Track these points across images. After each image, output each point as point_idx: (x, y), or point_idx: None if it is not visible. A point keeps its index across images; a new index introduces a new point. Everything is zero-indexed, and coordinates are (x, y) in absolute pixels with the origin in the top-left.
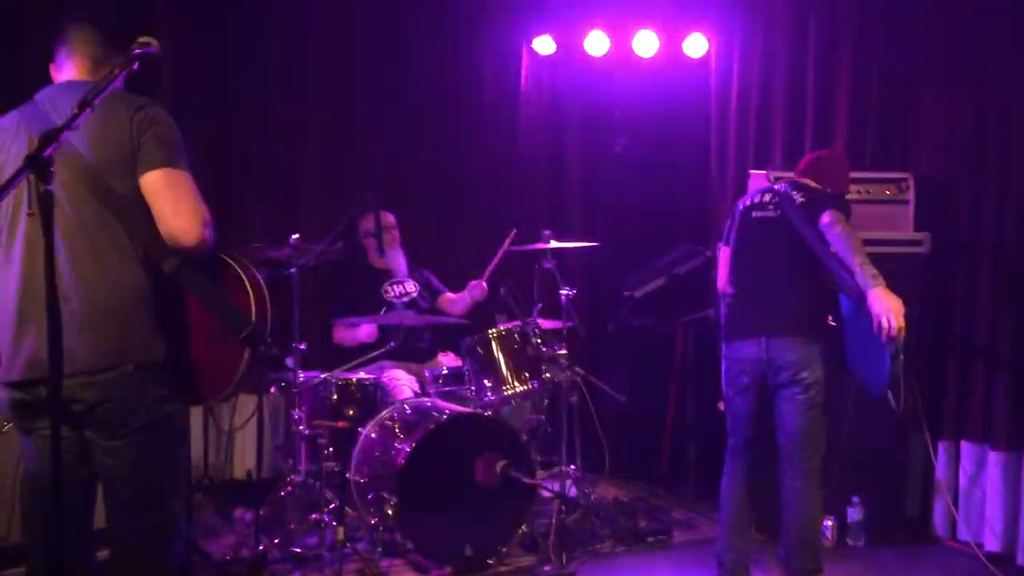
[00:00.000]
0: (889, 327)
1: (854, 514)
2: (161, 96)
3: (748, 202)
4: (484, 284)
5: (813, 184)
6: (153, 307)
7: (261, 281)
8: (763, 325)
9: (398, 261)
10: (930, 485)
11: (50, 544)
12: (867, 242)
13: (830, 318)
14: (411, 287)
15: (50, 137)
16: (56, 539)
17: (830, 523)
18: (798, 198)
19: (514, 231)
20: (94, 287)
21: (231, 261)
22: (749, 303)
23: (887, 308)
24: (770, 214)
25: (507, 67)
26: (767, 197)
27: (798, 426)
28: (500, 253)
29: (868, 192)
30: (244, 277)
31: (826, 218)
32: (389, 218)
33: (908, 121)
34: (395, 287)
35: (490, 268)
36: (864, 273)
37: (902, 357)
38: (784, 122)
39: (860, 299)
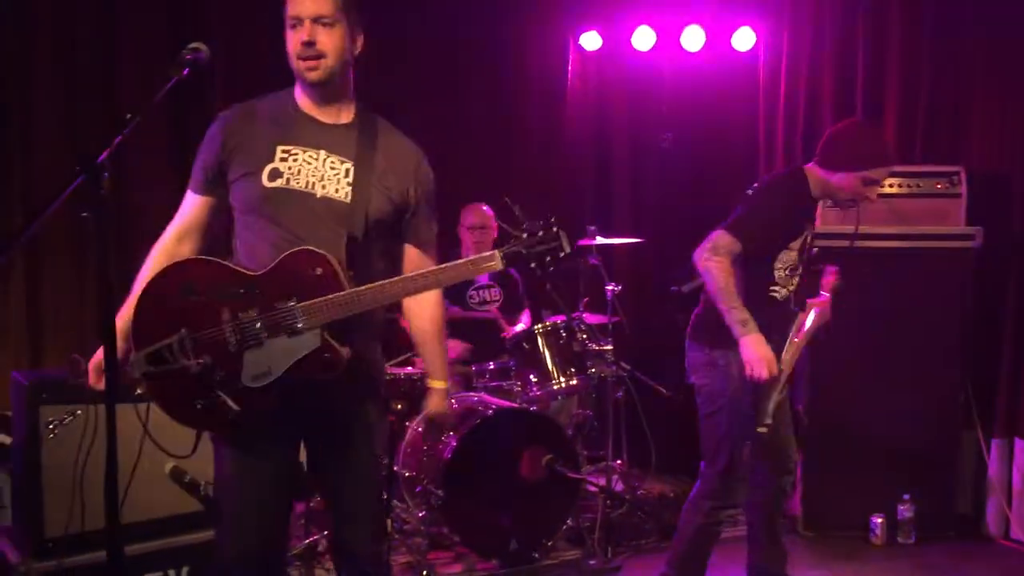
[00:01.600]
0: (755, 376)
1: (904, 511)
2: (213, 101)
3: None
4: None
5: (768, 182)
6: None
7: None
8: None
9: None
10: (982, 483)
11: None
12: (919, 237)
13: None
14: (495, 295)
15: (107, 144)
16: None
17: (879, 520)
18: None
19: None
20: None
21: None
22: None
23: (756, 358)
24: None
25: (554, 63)
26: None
27: (699, 432)
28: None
29: (919, 186)
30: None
31: (706, 244)
32: (488, 213)
33: (959, 114)
34: (480, 292)
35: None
36: (732, 320)
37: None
38: (833, 116)
39: None
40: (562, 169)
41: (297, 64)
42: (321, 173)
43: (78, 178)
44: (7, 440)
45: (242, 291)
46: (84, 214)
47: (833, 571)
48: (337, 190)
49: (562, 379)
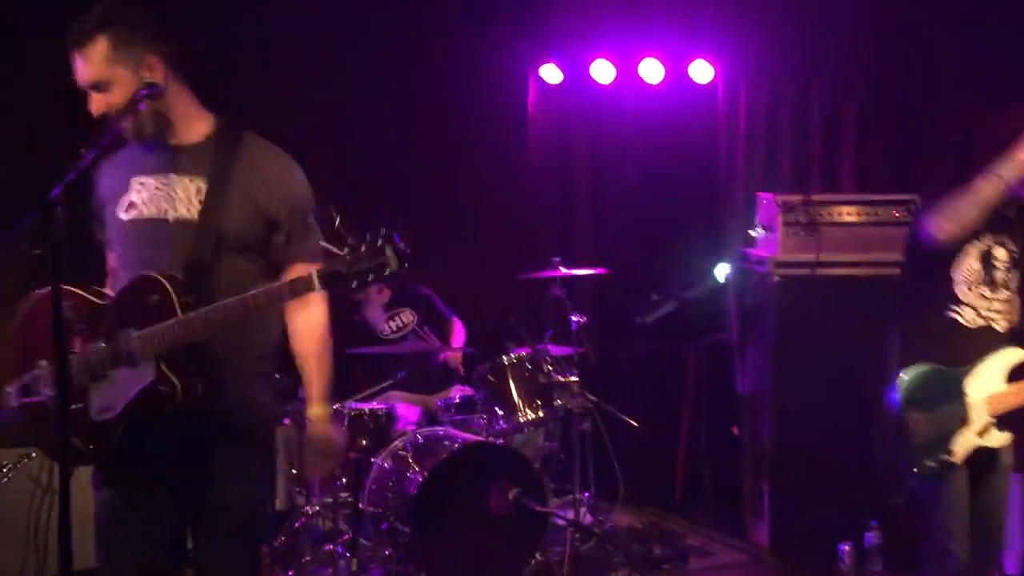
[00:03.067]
0: None
1: (872, 538)
2: None
3: None
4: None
5: None
6: None
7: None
8: None
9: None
10: None
11: None
12: (879, 264)
13: None
14: (408, 318)
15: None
16: None
17: (847, 547)
18: None
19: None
20: None
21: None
22: None
23: None
24: None
25: (514, 95)
26: None
27: None
28: None
29: (877, 214)
30: None
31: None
32: None
33: (920, 142)
34: (392, 322)
35: None
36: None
37: None
38: (792, 144)
39: None
40: (525, 201)
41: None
42: (172, 197)
43: (30, 215)
44: None
45: (89, 321)
46: (37, 252)
47: None
48: (188, 209)
49: (528, 412)
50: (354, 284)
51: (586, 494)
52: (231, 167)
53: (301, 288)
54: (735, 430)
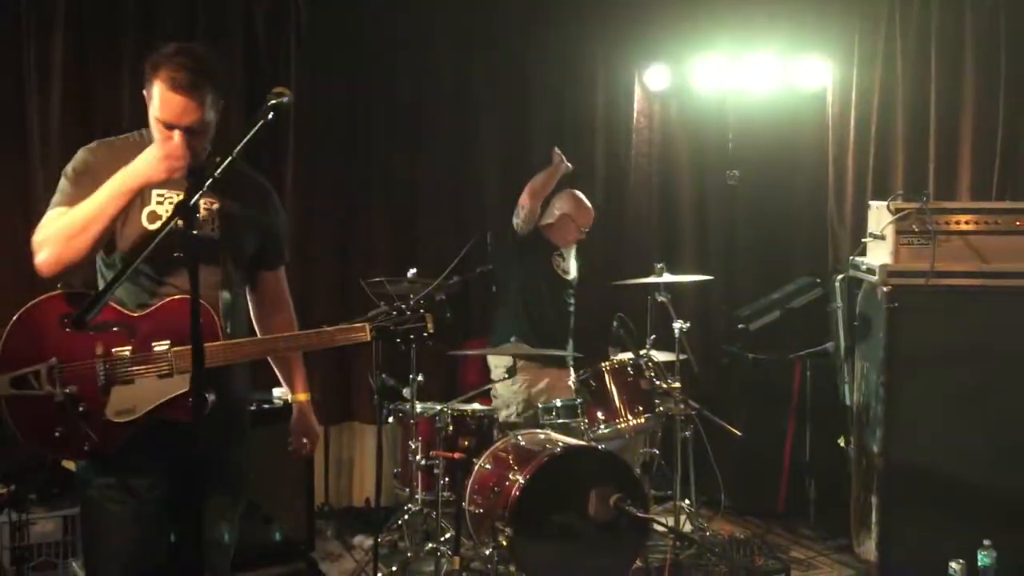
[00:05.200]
0: None
1: (985, 558)
2: (287, 139)
3: None
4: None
5: None
6: None
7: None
8: None
9: None
10: None
11: None
12: (998, 275)
13: None
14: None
15: (197, 186)
16: None
17: (958, 566)
18: None
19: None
20: None
21: None
22: None
23: None
24: None
25: (619, 99)
26: None
27: None
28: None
29: (997, 223)
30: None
31: None
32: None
33: None
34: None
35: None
36: None
37: None
38: (905, 151)
39: None
40: (629, 207)
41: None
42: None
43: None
44: None
45: (117, 329)
46: (176, 254)
47: None
48: (213, 229)
49: (630, 417)
50: (399, 340)
51: (687, 501)
52: (234, 189)
53: (355, 336)
54: (841, 442)
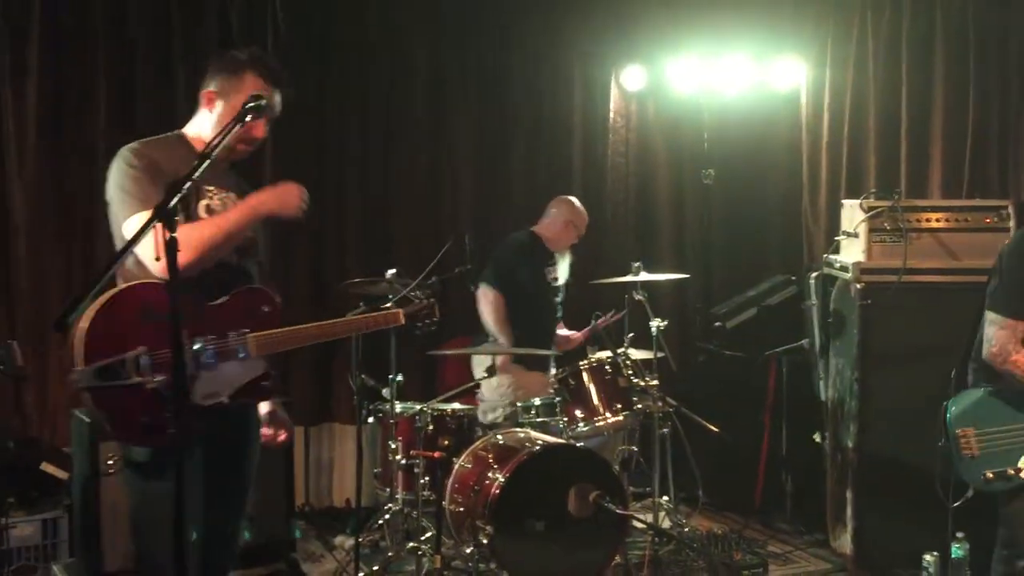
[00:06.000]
0: None
1: (958, 550)
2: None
3: None
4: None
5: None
6: None
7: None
8: None
9: None
10: None
11: None
12: (968, 271)
13: None
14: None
15: (175, 188)
16: None
17: (931, 558)
18: None
19: (617, 313)
20: None
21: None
22: None
23: None
24: None
25: (596, 99)
26: None
27: None
28: (602, 323)
29: (967, 221)
30: None
31: (992, 349)
32: None
33: (1007, 146)
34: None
35: (601, 324)
36: None
37: None
38: (877, 151)
39: None
40: (605, 206)
41: (239, 147)
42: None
43: (150, 223)
44: (64, 476)
45: (197, 318)
46: (157, 259)
47: None
48: None
49: (608, 415)
50: (419, 324)
51: (665, 498)
52: (240, 184)
53: (392, 321)
54: (816, 438)
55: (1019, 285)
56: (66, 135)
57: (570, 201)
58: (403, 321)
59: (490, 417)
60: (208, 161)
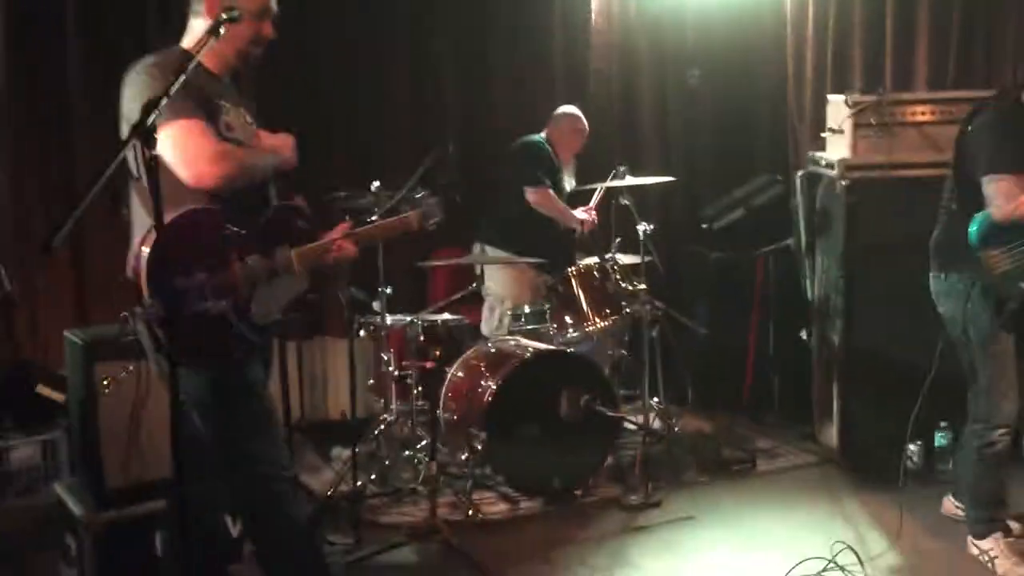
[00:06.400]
0: None
1: (941, 439)
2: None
3: None
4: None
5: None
6: None
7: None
8: None
9: None
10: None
11: None
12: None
13: None
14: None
15: (151, 105)
16: None
17: (914, 447)
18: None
19: (621, 168)
20: None
21: None
22: None
23: None
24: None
25: (576, 0)
26: None
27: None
28: (602, 188)
29: (951, 112)
30: None
31: (996, 202)
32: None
33: (993, 39)
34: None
35: (595, 200)
36: None
37: None
38: (862, 44)
39: None
40: (588, 110)
41: (252, 49)
42: (246, 127)
43: (128, 142)
44: (60, 398)
45: (244, 237)
46: (137, 177)
47: (870, 498)
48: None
49: (597, 320)
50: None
51: (655, 399)
52: (244, 100)
53: (409, 227)
54: (803, 335)
55: (1006, 144)
56: (40, 52)
57: (570, 110)
58: (416, 226)
59: (500, 309)
60: (184, 77)
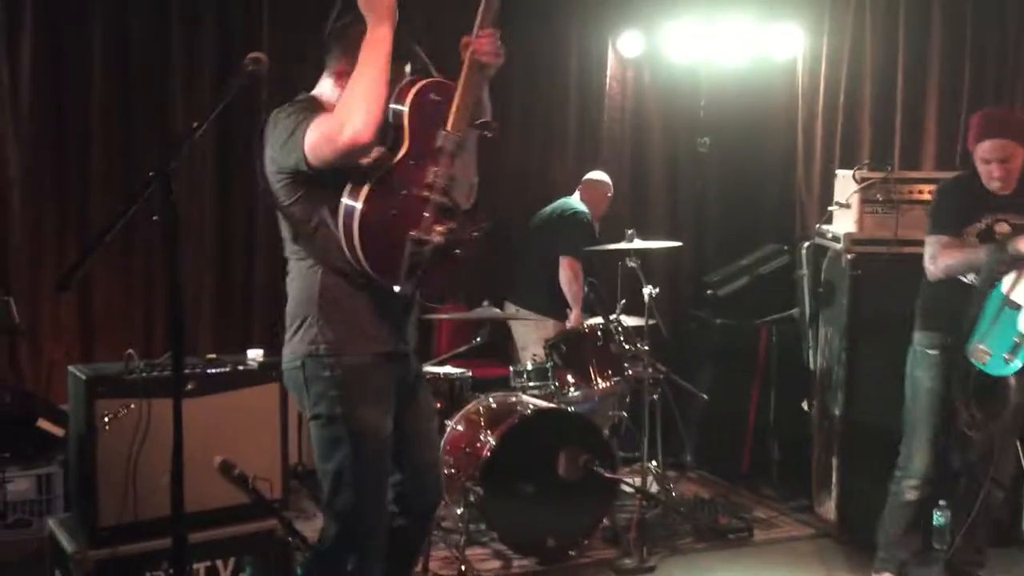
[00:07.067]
0: None
1: (940, 519)
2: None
3: None
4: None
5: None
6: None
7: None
8: None
9: None
10: (1020, 488)
11: None
12: None
13: None
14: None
15: (174, 150)
16: None
17: None
18: None
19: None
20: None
21: None
22: None
23: None
24: None
25: (592, 65)
26: None
27: None
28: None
29: None
30: None
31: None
32: None
33: None
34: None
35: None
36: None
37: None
38: (872, 121)
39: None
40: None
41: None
42: None
43: (150, 184)
44: (59, 432)
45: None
46: (155, 218)
47: (865, 574)
48: None
49: (599, 380)
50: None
51: (653, 463)
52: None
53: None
54: (805, 406)
55: (936, 211)
56: (61, 89)
57: (597, 175)
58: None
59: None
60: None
